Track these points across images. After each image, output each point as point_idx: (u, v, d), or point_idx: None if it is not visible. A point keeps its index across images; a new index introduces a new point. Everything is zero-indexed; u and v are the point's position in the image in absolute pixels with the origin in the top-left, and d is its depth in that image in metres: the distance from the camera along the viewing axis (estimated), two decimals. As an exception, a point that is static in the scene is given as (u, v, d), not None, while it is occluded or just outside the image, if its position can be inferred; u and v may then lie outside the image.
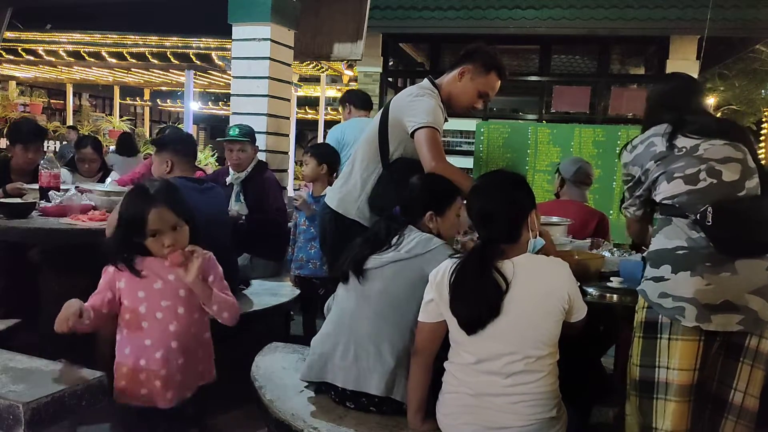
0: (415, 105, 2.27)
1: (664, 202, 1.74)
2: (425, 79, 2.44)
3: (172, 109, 16.05)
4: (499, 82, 2.39)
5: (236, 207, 3.44)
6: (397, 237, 1.88)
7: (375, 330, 1.82)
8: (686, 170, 1.68)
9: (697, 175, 1.67)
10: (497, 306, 1.55)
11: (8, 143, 3.68)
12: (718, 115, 11.86)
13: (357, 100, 4.41)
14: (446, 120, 2.41)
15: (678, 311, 1.63)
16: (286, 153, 4.73)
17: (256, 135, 3.68)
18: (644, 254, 1.90)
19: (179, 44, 7.57)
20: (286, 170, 4.80)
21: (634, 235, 2.05)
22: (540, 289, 1.60)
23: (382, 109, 2.43)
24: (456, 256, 1.73)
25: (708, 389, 1.73)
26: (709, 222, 1.59)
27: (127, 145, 5.94)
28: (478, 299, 1.57)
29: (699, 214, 1.62)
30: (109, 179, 3.73)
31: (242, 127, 3.52)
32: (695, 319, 1.61)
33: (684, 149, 1.70)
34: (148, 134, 12.11)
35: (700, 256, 1.63)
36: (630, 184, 1.88)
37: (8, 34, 7.30)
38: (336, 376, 1.85)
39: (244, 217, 3.40)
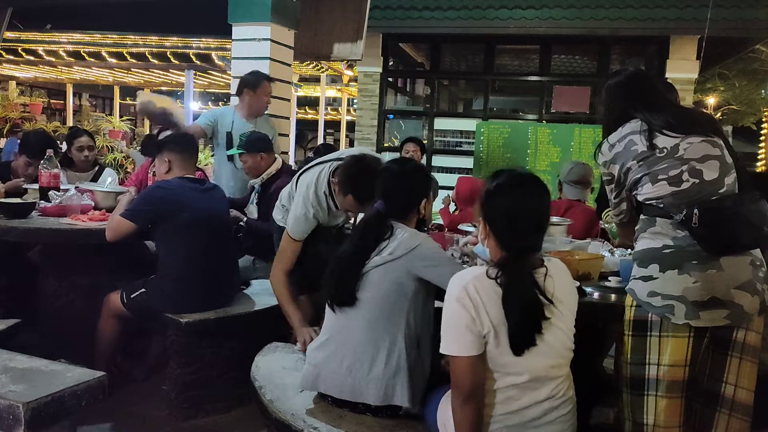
0: (293, 206, 2.51)
1: (647, 202, 1.75)
2: (332, 168, 2.46)
3: (172, 109, 16.04)
4: (365, 204, 2.26)
5: (250, 208, 3.45)
6: (384, 242, 1.84)
7: (367, 339, 1.79)
8: (670, 172, 1.69)
9: (680, 176, 1.68)
10: (543, 318, 1.49)
11: (17, 150, 3.71)
12: (718, 115, 11.91)
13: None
14: (340, 209, 2.50)
15: (667, 309, 1.66)
16: (286, 153, 4.74)
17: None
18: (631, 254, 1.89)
19: (179, 44, 7.58)
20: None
21: (626, 239, 2.04)
22: (569, 289, 1.61)
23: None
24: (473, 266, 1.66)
25: (699, 385, 1.75)
26: (695, 224, 1.62)
27: (146, 146, 6.01)
28: (530, 314, 1.47)
29: (685, 215, 1.64)
30: (109, 179, 3.73)
31: (241, 137, 3.48)
32: (684, 316, 1.64)
33: (665, 149, 1.71)
34: (148, 134, 12.11)
35: (687, 255, 1.66)
36: (612, 184, 1.86)
37: (8, 34, 7.31)
38: (330, 387, 1.83)
39: (244, 221, 3.40)
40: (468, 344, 1.47)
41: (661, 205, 1.71)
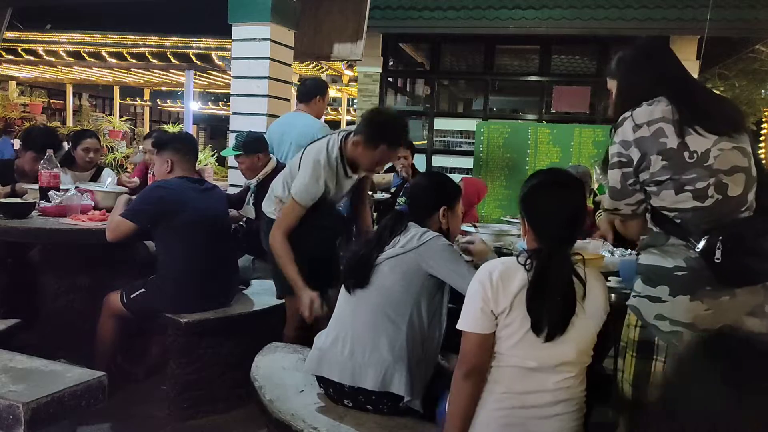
0: (300, 173, 2.46)
1: (663, 211, 1.59)
2: (341, 136, 2.48)
3: (172, 109, 16.05)
4: (394, 150, 2.43)
5: (247, 208, 3.45)
6: (398, 236, 1.93)
7: (372, 325, 1.84)
8: (697, 183, 1.52)
9: (706, 190, 1.52)
10: (573, 311, 1.53)
11: (21, 146, 3.73)
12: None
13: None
14: (350, 176, 2.52)
15: (674, 336, 1.56)
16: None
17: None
18: (636, 261, 1.75)
19: (179, 44, 7.57)
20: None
21: (635, 235, 1.75)
22: (602, 298, 1.61)
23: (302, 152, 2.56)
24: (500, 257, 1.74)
25: None
26: (718, 259, 1.47)
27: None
28: (564, 303, 1.52)
29: (705, 246, 1.49)
30: (109, 179, 3.74)
31: (238, 138, 3.48)
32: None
33: (695, 155, 1.51)
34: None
35: (701, 279, 1.52)
36: (628, 168, 1.59)
37: (8, 34, 7.30)
38: (332, 371, 1.86)
39: (244, 220, 3.40)
40: (478, 322, 1.55)
41: (678, 221, 1.56)
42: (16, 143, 7.82)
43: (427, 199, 2.03)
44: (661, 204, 1.58)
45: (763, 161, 9.71)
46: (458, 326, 1.58)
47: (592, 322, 1.58)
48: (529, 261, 1.54)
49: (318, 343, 1.96)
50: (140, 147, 7.82)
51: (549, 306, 1.51)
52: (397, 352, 1.80)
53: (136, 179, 3.65)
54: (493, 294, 1.53)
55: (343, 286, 1.98)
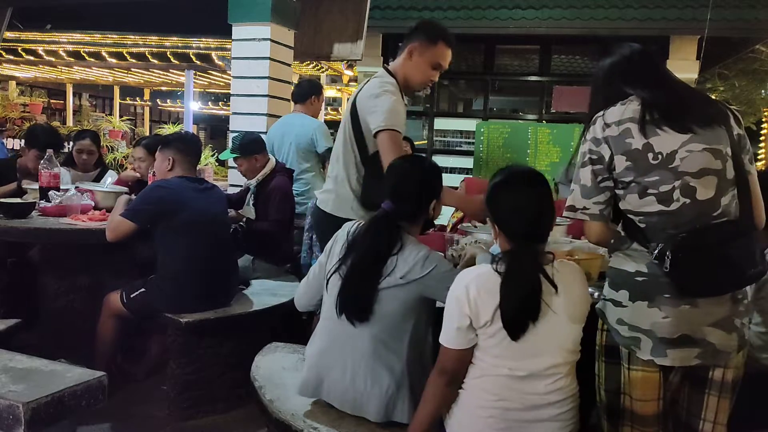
0: (377, 105, 2.24)
1: (629, 215, 1.56)
2: (381, 68, 2.44)
3: (172, 109, 16.04)
4: (449, 50, 2.38)
5: (247, 209, 3.46)
6: (390, 260, 1.77)
7: (372, 352, 1.76)
8: (660, 186, 1.48)
9: (671, 193, 1.48)
10: (539, 308, 1.50)
11: (24, 144, 3.78)
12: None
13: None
14: (405, 104, 2.42)
15: (633, 342, 1.55)
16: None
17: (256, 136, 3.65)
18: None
19: (179, 44, 7.57)
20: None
21: (603, 242, 1.67)
22: (578, 292, 1.58)
23: (349, 108, 2.39)
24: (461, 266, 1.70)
25: (678, 417, 1.66)
26: (666, 268, 1.45)
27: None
28: (528, 296, 1.49)
29: (658, 252, 1.47)
30: (109, 179, 3.74)
31: (234, 140, 3.49)
32: (650, 352, 1.53)
33: (660, 156, 1.48)
34: (147, 134, 12.10)
35: (660, 286, 1.50)
36: (599, 165, 1.56)
37: (8, 34, 7.30)
38: (332, 397, 1.80)
39: (243, 220, 3.40)
40: (456, 339, 1.56)
41: (642, 225, 1.54)
42: (11, 143, 7.85)
43: (417, 201, 1.87)
44: (627, 207, 1.56)
45: (764, 161, 9.73)
46: (440, 340, 1.59)
47: (572, 320, 1.56)
48: (501, 264, 1.52)
49: (313, 365, 1.84)
50: (131, 155, 7.84)
51: (515, 302, 1.48)
52: (398, 376, 1.74)
53: (137, 174, 3.67)
54: (471, 310, 1.52)
55: (338, 311, 1.80)
